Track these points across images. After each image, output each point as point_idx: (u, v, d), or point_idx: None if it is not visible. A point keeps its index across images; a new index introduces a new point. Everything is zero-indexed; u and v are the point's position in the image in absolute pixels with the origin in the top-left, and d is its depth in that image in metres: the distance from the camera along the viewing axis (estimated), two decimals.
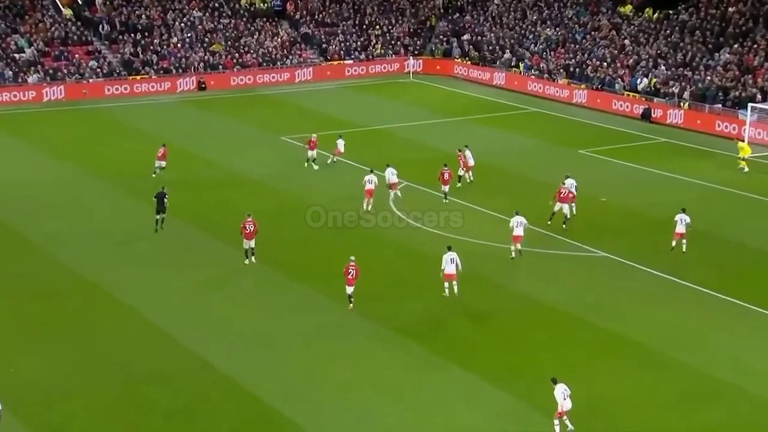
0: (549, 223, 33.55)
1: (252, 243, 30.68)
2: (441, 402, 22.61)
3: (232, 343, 25.46)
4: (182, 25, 65.06)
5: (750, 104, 45.73)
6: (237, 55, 63.56)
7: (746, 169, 41.26)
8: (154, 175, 39.60)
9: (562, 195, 33.51)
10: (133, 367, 24.04)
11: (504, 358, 24.76)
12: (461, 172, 38.86)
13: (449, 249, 28.32)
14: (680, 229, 31.35)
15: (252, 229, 30.56)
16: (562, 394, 20.94)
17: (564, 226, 33.37)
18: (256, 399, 22.57)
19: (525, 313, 27.49)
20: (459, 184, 38.30)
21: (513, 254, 31.23)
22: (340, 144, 42.21)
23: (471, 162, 39.13)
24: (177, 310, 27.55)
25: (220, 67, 62.46)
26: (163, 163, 40.32)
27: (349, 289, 27.54)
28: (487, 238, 33.13)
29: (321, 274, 29.49)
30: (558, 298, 28.32)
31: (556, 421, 20.87)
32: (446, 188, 36.84)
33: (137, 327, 26.36)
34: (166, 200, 33.89)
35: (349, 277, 27.46)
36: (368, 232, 33.96)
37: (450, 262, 27.89)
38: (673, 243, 31.45)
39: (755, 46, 52.67)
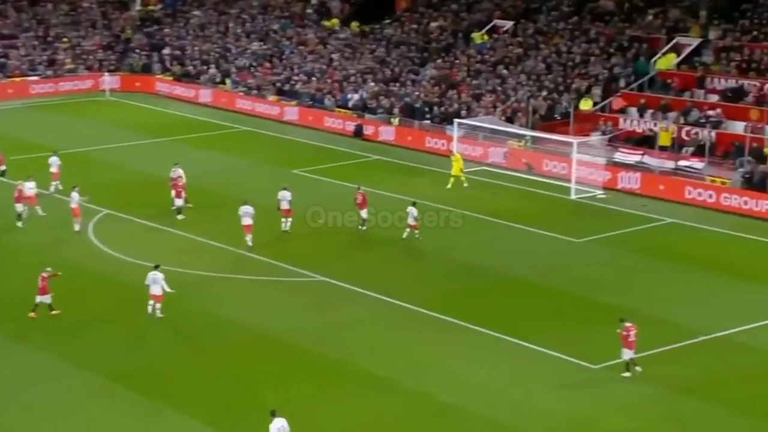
0: (362, 228, 36.88)
1: None
2: None
3: None
4: None
5: (456, 120, 48.84)
6: None
7: (466, 184, 44.03)
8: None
9: (358, 201, 36.60)
10: None
11: (224, 396, 24.55)
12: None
13: (155, 268, 28.71)
14: (410, 221, 35.56)
15: None
16: (277, 430, 21.01)
17: (362, 227, 36.34)
18: None
19: (245, 345, 27.48)
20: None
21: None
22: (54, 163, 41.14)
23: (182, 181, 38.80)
24: None
25: None
26: (3, 167, 42.55)
27: (43, 299, 28.24)
28: (200, 266, 32.82)
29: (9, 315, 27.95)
30: (279, 326, 28.62)
31: None
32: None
33: None
34: None
35: (40, 287, 28.15)
36: (70, 263, 32.51)
37: (154, 282, 28.36)
38: (405, 233, 35.37)
39: (457, 61, 56.49)
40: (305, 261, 33.70)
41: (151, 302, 28.38)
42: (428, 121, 52.13)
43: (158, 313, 28.43)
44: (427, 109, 52.82)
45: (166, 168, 40.03)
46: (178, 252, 34.23)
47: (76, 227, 36.06)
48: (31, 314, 28.29)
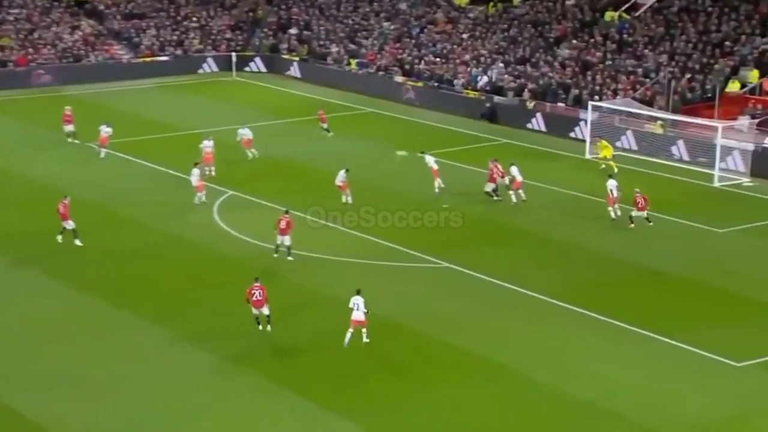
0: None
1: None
2: None
3: None
4: None
5: (590, 102, 47.32)
6: None
7: (616, 170, 42.31)
8: (69, 140, 45.46)
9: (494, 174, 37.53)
10: None
11: (342, 378, 24.16)
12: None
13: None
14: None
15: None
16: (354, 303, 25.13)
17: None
18: None
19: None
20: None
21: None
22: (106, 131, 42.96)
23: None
24: None
25: None
26: (71, 127, 45.61)
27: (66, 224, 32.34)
28: (318, 248, 32.66)
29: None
30: (402, 311, 28.05)
31: None
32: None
33: None
34: None
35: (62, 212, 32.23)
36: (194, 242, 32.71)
37: None
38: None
39: (592, 40, 54.68)
40: (431, 247, 33.05)
41: None
42: (562, 104, 50.76)
43: None
44: (561, 91, 51.40)
45: (285, 149, 39.84)
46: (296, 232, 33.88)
47: (196, 201, 37.04)
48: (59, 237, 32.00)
